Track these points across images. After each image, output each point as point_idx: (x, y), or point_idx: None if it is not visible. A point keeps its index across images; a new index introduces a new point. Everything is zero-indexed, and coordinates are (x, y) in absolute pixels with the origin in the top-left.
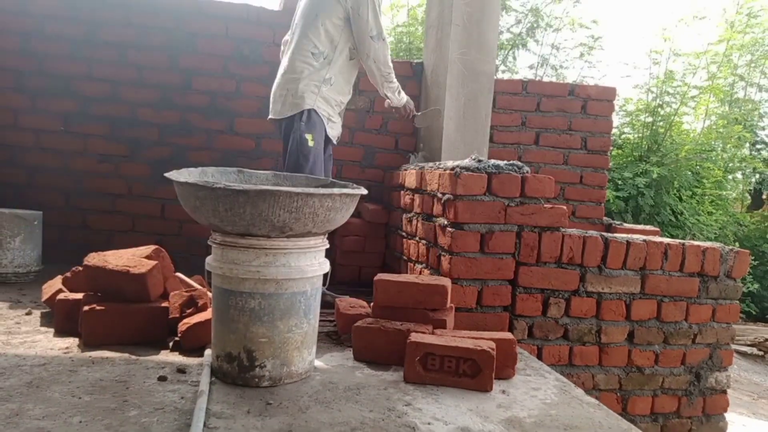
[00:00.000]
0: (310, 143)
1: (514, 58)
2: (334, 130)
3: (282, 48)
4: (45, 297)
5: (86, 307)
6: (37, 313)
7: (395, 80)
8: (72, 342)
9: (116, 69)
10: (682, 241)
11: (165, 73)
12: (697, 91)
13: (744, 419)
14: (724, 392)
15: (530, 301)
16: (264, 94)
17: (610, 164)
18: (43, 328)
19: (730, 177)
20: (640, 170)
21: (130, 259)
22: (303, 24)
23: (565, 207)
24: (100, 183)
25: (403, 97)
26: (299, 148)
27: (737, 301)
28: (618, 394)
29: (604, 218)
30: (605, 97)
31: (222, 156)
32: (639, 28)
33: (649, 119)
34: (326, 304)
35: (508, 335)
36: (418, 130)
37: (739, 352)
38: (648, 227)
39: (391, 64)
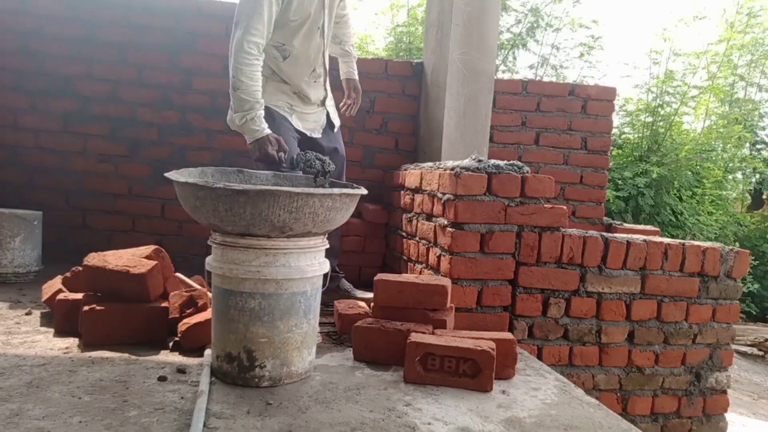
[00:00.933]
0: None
1: (514, 58)
2: (308, 122)
3: None
4: (45, 297)
5: (86, 307)
6: (36, 313)
7: (244, 92)
8: (72, 342)
9: (116, 69)
10: (682, 241)
11: (165, 73)
12: (697, 91)
13: (744, 419)
14: (725, 392)
15: (530, 301)
16: None
17: (610, 164)
18: (43, 328)
19: (730, 177)
20: (640, 170)
21: (130, 259)
22: None
23: (565, 207)
24: (100, 183)
25: (254, 128)
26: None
27: (737, 301)
28: (618, 394)
29: (604, 218)
30: (605, 97)
31: (222, 156)
32: (639, 28)
33: (649, 119)
34: (345, 294)
35: (508, 335)
36: (418, 129)
37: (739, 352)
38: (648, 227)
39: (245, 62)
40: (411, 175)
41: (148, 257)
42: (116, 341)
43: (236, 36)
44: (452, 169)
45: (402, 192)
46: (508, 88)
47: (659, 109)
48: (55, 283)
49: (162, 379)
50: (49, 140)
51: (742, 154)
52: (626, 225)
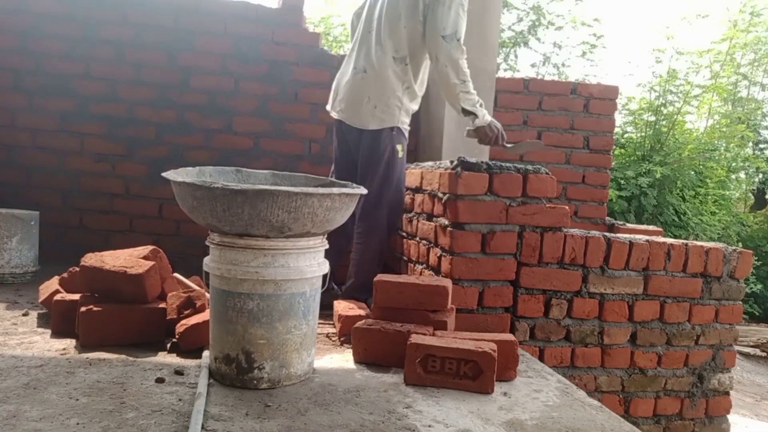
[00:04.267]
0: (400, 154)
1: (516, 57)
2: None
3: (351, 32)
4: (42, 298)
5: (83, 308)
6: (33, 314)
7: (474, 92)
8: (69, 343)
9: (114, 68)
10: (685, 241)
11: (163, 72)
12: (700, 89)
13: (747, 421)
14: (727, 394)
15: (532, 302)
16: (263, 92)
17: (613, 164)
18: (40, 329)
19: (733, 177)
20: (643, 170)
21: (128, 259)
22: (386, 24)
23: (567, 207)
24: (98, 183)
25: (486, 116)
26: (391, 159)
27: (740, 302)
28: (620, 395)
29: (607, 218)
30: (608, 95)
31: (220, 155)
32: (642, 26)
33: (652, 118)
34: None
35: (509, 337)
36: (418, 128)
37: (742, 354)
38: (651, 227)
39: (467, 71)
40: (411, 175)
41: (145, 258)
42: (114, 342)
43: (453, 47)
44: (453, 168)
45: None
46: (509, 87)
47: (662, 108)
48: (52, 284)
49: (160, 380)
50: (47, 140)
51: (746, 153)
52: (629, 225)
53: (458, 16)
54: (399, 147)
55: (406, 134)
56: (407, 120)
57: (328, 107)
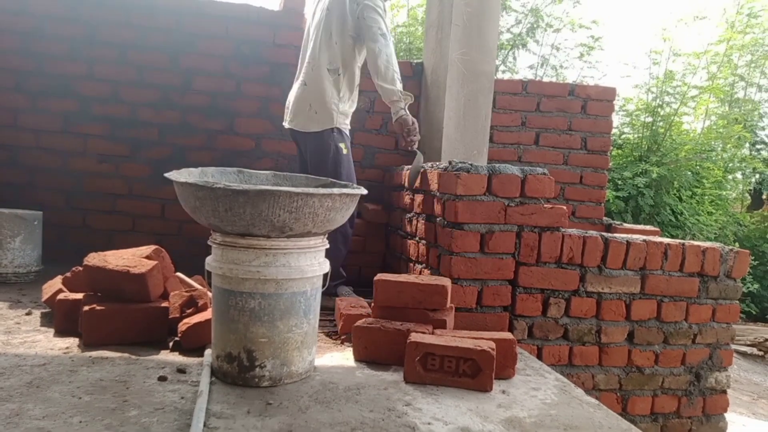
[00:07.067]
0: (345, 151)
1: (514, 58)
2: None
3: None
4: (45, 297)
5: (86, 307)
6: (37, 313)
7: (399, 85)
8: (72, 342)
9: (116, 69)
10: (682, 241)
11: (165, 73)
12: (697, 91)
13: (744, 419)
14: (724, 392)
15: (530, 301)
16: (264, 94)
17: (610, 164)
18: (43, 328)
19: (729, 177)
20: (640, 170)
21: (130, 259)
22: (320, 40)
23: (565, 207)
24: (101, 183)
25: (408, 113)
26: (336, 158)
27: (737, 301)
28: (618, 394)
29: (604, 218)
30: (605, 97)
31: (222, 156)
32: (639, 28)
33: (649, 119)
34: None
35: (508, 335)
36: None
37: (738, 352)
38: (648, 227)
39: (398, 68)
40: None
41: (148, 257)
42: (116, 341)
43: (387, 43)
44: (453, 168)
45: (402, 192)
46: (508, 89)
47: (659, 109)
48: (56, 283)
49: (162, 379)
50: (50, 140)
51: (742, 154)
52: (626, 225)
53: (383, 15)
54: (342, 145)
55: (347, 134)
56: (346, 121)
57: (284, 123)
